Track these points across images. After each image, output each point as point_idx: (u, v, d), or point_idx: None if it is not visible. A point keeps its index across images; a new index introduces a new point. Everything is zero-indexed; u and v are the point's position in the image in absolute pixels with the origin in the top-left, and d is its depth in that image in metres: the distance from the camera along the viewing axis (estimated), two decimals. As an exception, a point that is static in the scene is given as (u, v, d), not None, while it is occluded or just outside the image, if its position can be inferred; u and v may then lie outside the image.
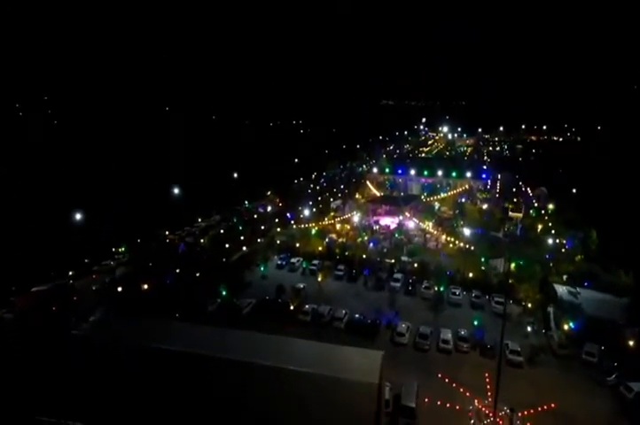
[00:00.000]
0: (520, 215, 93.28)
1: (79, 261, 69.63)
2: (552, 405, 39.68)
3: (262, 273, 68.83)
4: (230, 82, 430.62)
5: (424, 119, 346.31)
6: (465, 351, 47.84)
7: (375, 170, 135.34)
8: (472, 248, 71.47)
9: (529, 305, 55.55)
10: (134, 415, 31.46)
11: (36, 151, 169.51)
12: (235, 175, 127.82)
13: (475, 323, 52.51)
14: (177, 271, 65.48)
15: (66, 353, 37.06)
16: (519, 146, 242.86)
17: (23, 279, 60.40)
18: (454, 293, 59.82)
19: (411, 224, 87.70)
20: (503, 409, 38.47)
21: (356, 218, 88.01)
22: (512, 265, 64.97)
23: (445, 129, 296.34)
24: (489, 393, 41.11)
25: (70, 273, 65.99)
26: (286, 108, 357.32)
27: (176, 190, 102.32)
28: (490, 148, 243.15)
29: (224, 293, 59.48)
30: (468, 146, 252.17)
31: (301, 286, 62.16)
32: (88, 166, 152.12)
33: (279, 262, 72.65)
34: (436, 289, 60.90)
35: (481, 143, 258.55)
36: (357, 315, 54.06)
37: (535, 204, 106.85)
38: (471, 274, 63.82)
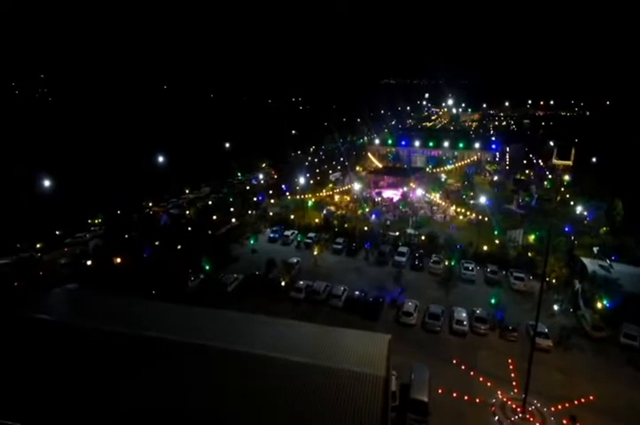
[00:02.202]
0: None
1: (49, 233, 62.96)
2: (590, 397, 33.29)
3: (252, 246, 62.06)
4: (230, 57, 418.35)
5: (427, 95, 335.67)
6: (483, 334, 41.19)
7: (377, 141, 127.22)
8: (486, 219, 64.33)
9: (554, 281, 48.79)
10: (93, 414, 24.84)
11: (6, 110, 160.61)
12: (227, 145, 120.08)
13: (492, 301, 45.86)
14: (157, 243, 58.78)
15: (14, 338, 30.55)
16: (526, 121, 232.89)
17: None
18: (467, 268, 52.87)
19: (418, 194, 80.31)
20: (533, 403, 32.08)
21: (357, 187, 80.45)
22: (532, 236, 58.35)
23: (449, 104, 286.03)
24: (514, 383, 34.78)
25: (38, 245, 59.32)
26: (286, 84, 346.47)
27: (162, 159, 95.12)
28: (496, 123, 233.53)
29: (208, 268, 52.73)
30: (473, 121, 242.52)
31: (294, 260, 55.30)
32: (67, 128, 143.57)
33: (272, 235, 65.69)
34: (447, 263, 54.06)
35: (487, 119, 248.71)
36: (357, 292, 47.42)
37: (550, 176, 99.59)
38: (485, 248, 56.82)
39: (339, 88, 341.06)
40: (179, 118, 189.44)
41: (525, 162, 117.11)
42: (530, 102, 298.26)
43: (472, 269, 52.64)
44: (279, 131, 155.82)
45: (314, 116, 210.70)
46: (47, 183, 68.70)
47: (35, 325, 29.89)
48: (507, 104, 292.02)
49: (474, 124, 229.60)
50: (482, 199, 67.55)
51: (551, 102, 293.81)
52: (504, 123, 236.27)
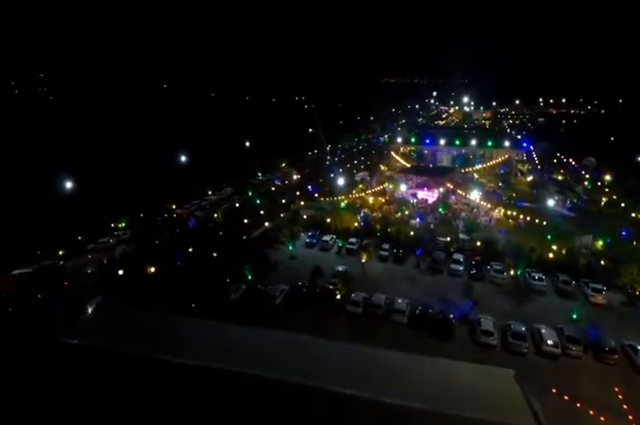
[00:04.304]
0: None
1: (71, 238, 58.26)
2: None
3: (290, 252, 57.20)
4: (234, 55, 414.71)
5: (434, 93, 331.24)
6: (576, 356, 36.51)
7: (399, 140, 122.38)
8: (545, 223, 59.68)
9: (637, 293, 44.23)
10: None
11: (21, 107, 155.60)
12: (243, 145, 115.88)
13: (574, 317, 41.26)
14: (189, 250, 54.02)
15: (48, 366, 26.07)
16: (541, 119, 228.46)
17: (3, 259, 49.37)
18: (534, 278, 48.16)
19: (473, 196, 74.69)
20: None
21: (404, 187, 75.68)
22: (600, 242, 53.80)
23: (459, 102, 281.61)
24: (630, 417, 30.13)
25: (60, 252, 54.71)
26: (290, 83, 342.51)
27: (180, 160, 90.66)
28: (510, 121, 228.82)
29: (250, 277, 48.00)
30: (485, 119, 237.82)
31: (340, 269, 50.59)
32: (86, 127, 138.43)
33: (308, 240, 60.79)
34: (512, 272, 49.34)
35: (499, 116, 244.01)
36: (420, 306, 42.57)
37: (586, 176, 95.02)
38: (551, 254, 52.10)
39: (344, 87, 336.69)
40: (192, 118, 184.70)
41: (554, 161, 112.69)
42: (541, 100, 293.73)
43: (542, 279, 47.90)
44: (294, 130, 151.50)
45: (324, 115, 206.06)
46: (67, 186, 64.32)
47: (73, 352, 25.43)
48: (517, 102, 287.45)
49: (487, 122, 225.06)
50: (550, 202, 62.76)
51: (563, 100, 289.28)
52: (517, 121, 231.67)
